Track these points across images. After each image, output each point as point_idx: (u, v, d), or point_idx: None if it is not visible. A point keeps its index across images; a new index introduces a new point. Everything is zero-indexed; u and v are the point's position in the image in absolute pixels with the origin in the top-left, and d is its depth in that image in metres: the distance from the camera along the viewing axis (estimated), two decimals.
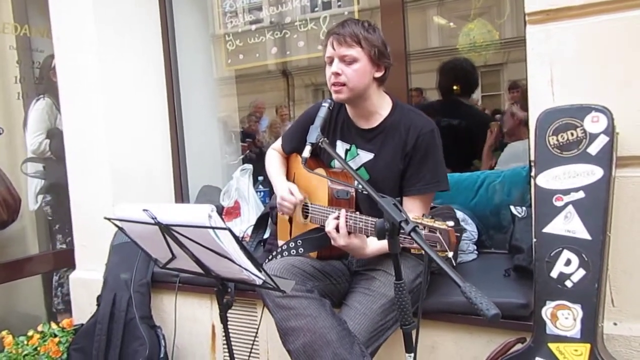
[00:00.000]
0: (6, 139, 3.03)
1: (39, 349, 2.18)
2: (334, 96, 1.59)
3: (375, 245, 1.51)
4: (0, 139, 2.94)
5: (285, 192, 1.69)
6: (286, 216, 1.84)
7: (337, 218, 1.45)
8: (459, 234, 1.33)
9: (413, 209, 1.56)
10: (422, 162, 1.57)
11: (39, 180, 3.07)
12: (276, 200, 1.76)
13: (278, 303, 1.44)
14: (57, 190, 2.98)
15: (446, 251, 1.08)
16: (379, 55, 1.55)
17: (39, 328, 2.28)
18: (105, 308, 2.18)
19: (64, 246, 2.96)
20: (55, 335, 2.25)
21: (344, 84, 1.55)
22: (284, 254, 1.64)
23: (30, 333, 2.24)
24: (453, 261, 1.93)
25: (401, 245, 1.17)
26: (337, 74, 1.54)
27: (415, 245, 1.16)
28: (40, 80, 3.12)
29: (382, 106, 1.64)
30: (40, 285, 3.16)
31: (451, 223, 1.12)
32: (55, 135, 2.93)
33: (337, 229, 1.44)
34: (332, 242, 1.47)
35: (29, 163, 3.07)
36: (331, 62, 1.57)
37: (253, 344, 1.96)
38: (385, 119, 1.63)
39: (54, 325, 2.31)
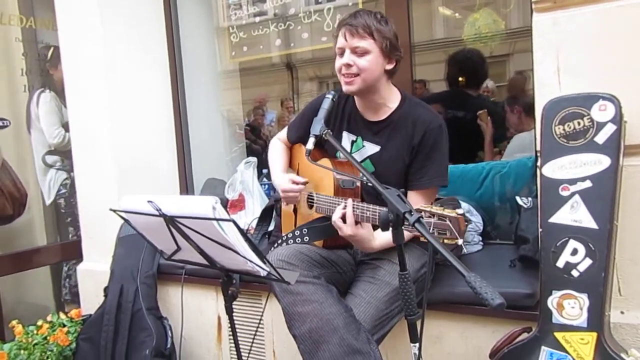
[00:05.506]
0: (13, 132, 3.04)
1: (48, 338, 2.21)
2: (345, 88, 1.58)
3: (383, 238, 1.51)
4: (7, 132, 2.96)
5: (287, 184, 1.68)
6: (290, 208, 1.85)
7: (344, 208, 1.45)
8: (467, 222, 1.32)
9: (418, 202, 1.56)
10: (428, 157, 1.57)
11: (54, 173, 3.09)
12: (279, 194, 1.75)
13: (285, 288, 1.45)
14: (70, 182, 3.00)
15: (456, 238, 1.07)
16: (390, 47, 1.53)
17: (48, 318, 2.31)
18: (112, 299, 2.21)
19: (75, 238, 2.97)
20: (64, 325, 2.27)
21: (355, 75, 1.53)
22: (289, 242, 1.65)
23: (39, 323, 2.27)
24: (464, 248, 1.92)
25: (411, 233, 1.16)
26: (348, 65, 1.53)
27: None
28: (44, 73, 3.13)
29: (390, 99, 1.63)
30: (49, 276, 3.19)
31: (461, 210, 1.11)
32: None
33: (343, 218, 1.45)
34: (339, 232, 1.47)
35: (47, 156, 3.08)
36: (342, 53, 1.55)
37: (256, 333, 1.97)
38: (393, 112, 1.62)
39: (62, 316, 2.33)
